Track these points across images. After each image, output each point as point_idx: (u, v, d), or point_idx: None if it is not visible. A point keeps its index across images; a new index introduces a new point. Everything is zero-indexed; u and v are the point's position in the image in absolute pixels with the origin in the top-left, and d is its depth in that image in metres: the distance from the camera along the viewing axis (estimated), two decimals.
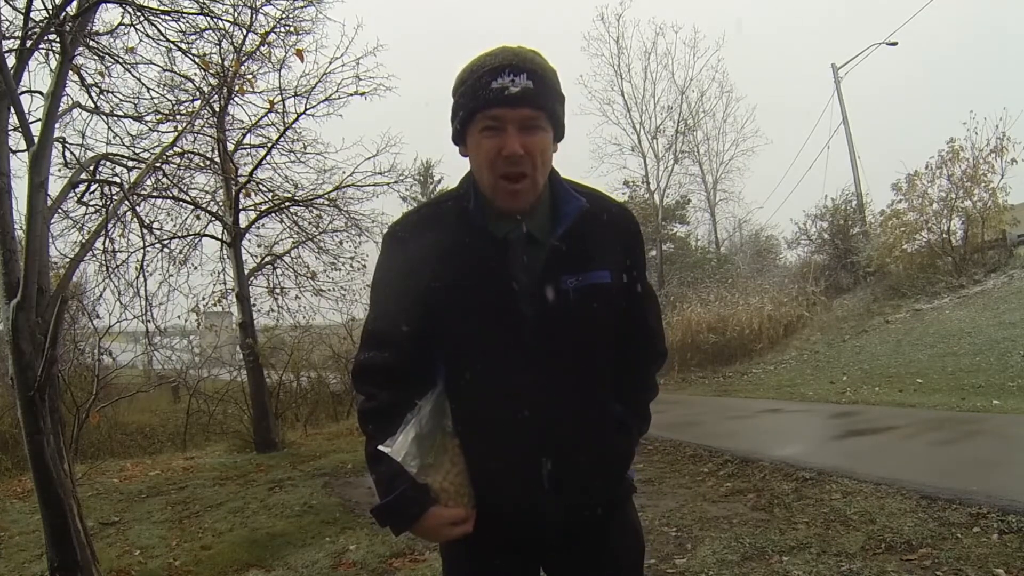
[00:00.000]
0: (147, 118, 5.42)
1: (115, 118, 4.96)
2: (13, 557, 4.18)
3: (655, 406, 1.23)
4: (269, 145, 8.20)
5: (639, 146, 18.47)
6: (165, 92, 5.92)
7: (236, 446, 8.44)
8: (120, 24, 4.34)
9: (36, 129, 3.15)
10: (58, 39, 3.26)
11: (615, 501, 1.16)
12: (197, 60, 5.30)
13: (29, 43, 3.23)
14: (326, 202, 8.71)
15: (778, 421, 6.78)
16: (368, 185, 8.74)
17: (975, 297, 10.16)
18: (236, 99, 7.25)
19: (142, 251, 6.76)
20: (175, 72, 5.82)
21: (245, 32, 6.10)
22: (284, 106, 7.86)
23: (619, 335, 1.12)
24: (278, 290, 9.07)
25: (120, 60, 4.70)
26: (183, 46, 4.90)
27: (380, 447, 1.02)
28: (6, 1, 3.63)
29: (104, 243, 5.61)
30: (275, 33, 6.51)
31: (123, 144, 5.19)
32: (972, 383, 6.83)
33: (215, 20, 4.80)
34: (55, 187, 3.59)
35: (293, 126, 8.16)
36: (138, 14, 4.21)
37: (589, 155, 18.91)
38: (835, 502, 3.53)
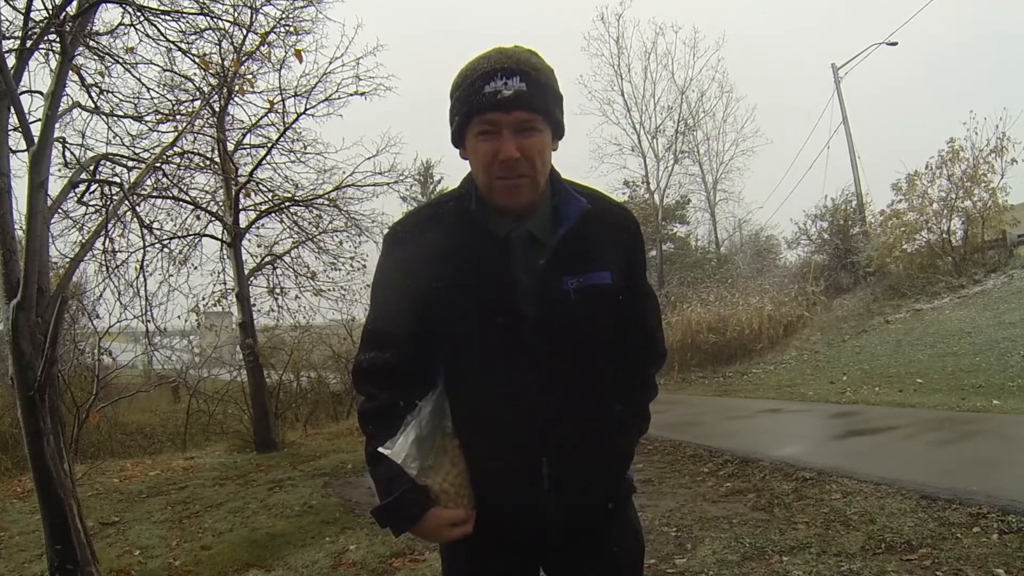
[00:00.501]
0: (147, 118, 5.43)
1: (115, 118, 4.96)
2: (13, 557, 4.18)
3: (655, 406, 1.23)
4: (269, 145, 8.20)
5: (639, 146, 18.49)
6: (165, 92, 5.92)
7: (236, 446, 8.44)
8: (120, 24, 4.34)
9: (36, 129, 3.15)
10: (58, 39, 3.26)
11: (615, 501, 1.16)
12: (197, 60, 5.30)
13: (29, 43, 3.23)
14: (326, 202, 8.71)
15: (778, 421, 6.78)
16: (368, 185, 8.74)
17: (975, 297, 10.17)
18: (236, 99, 7.26)
19: (142, 251, 6.76)
20: (175, 72, 5.82)
21: (245, 32, 6.10)
22: (284, 106, 7.87)
23: (619, 336, 1.12)
24: (278, 290, 9.07)
25: (120, 60, 4.70)
26: (183, 46, 4.90)
27: (380, 449, 1.02)
28: (6, 1, 3.63)
29: (104, 243, 5.62)
30: (275, 33, 6.51)
31: (123, 144, 5.20)
32: (972, 383, 6.83)
33: (215, 20, 4.79)
34: (55, 187, 3.59)
35: (293, 126, 8.16)
36: (138, 14, 4.21)
37: (589, 155, 18.93)
38: (835, 502, 3.53)
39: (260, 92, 7.43)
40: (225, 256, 8.46)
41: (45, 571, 3.20)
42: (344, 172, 8.61)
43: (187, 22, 4.70)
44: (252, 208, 8.57)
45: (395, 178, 8.82)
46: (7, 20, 3.54)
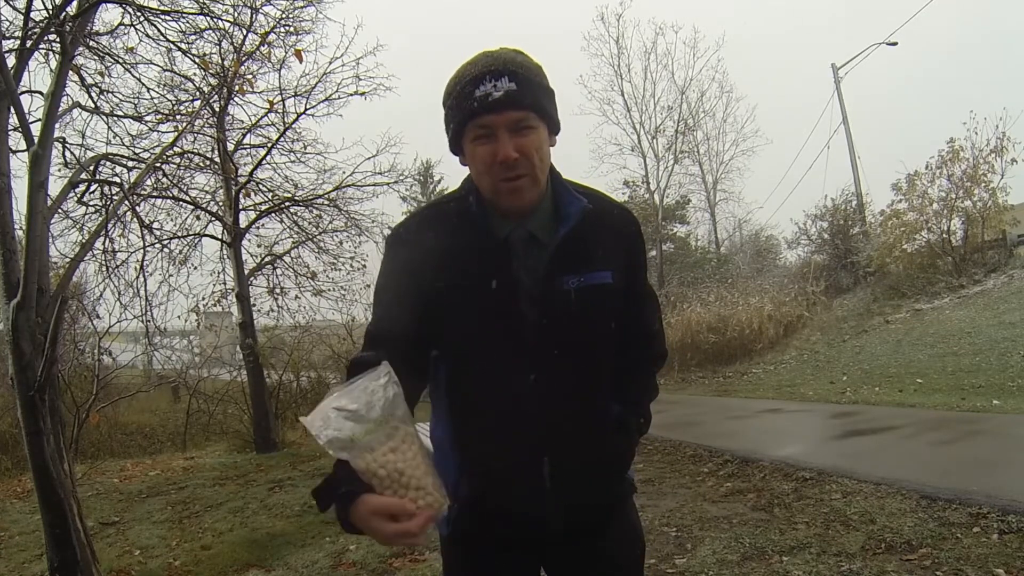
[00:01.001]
0: (147, 118, 5.43)
1: (115, 118, 4.96)
2: (13, 557, 4.18)
3: (655, 406, 1.24)
4: (269, 145, 8.21)
5: (639, 146, 18.51)
6: (165, 92, 5.93)
7: (236, 446, 8.45)
8: (120, 24, 4.34)
9: (36, 129, 3.16)
10: (58, 39, 3.26)
11: (615, 501, 1.16)
12: (197, 60, 5.30)
13: (29, 43, 3.23)
14: (326, 202, 8.72)
15: (778, 421, 6.78)
16: (368, 185, 8.75)
17: (975, 297, 10.17)
18: (236, 99, 7.26)
19: (142, 251, 6.76)
20: (175, 72, 5.82)
21: (245, 32, 6.10)
22: (284, 106, 7.88)
23: (620, 336, 1.12)
24: (278, 290, 9.07)
25: (120, 60, 4.70)
26: (183, 46, 4.91)
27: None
28: (6, 1, 3.63)
29: (104, 243, 5.62)
30: (275, 33, 6.52)
31: (123, 144, 5.20)
32: (972, 383, 6.83)
33: (215, 20, 4.80)
34: (55, 187, 3.60)
35: (293, 126, 8.17)
36: (138, 14, 4.21)
37: (589, 155, 18.99)
38: (835, 502, 3.53)
39: (260, 92, 7.45)
40: (225, 256, 8.46)
41: (45, 571, 3.20)
42: (344, 172, 8.64)
43: (187, 22, 4.71)
44: (252, 208, 8.58)
45: (395, 178, 8.83)
46: (7, 20, 3.55)
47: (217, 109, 7.06)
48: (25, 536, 4.62)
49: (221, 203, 8.21)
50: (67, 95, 4.07)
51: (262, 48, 6.63)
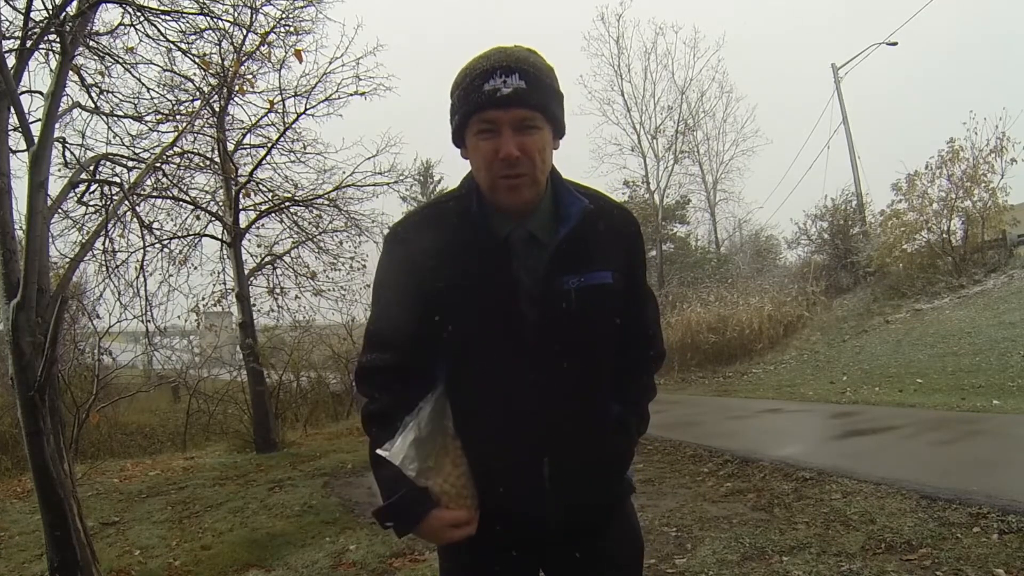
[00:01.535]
0: (147, 118, 5.43)
1: (115, 118, 4.96)
2: (13, 557, 4.18)
3: (655, 406, 1.24)
4: (269, 145, 8.21)
5: (639, 146, 18.52)
6: (165, 92, 5.93)
7: (236, 446, 8.45)
8: (120, 24, 4.34)
9: (36, 129, 3.15)
10: (58, 39, 3.26)
11: (615, 501, 1.16)
12: (197, 60, 5.30)
13: (29, 43, 3.23)
14: (326, 202, 8.72)
15: (778, 421, 6.78)
16: (368, 185, 8.75)
17: (975, 297, 10.17)
18: (236, 99, 7.26)
19: (142, 251, 6.77)
20: (175, 72, 5.83)
21: (245, 32, 6.10)
22: (284, 106, 7.88)
23: (619, 336, 1.12)
24: (278, 290, 9.07)
25: (120, 60, 4.70)
26: (183, 46, 4.91)
27: (379, 451, 1.02)
28: (6, 1, 3.63)
29: (104, 243, 5.61)
30: (275, 33, 6.52)
31: (123, 144, 5.20)
32: (972, 383, 6.83)
33: (215, 20, 4.80)
34: (55, 187, 3.59)
35: (293, 126, 8.17)
36: (138, 14, 4.21)
37: (589, 155, 18.95)
38: (835, 502, 3.53)
39: (260, 92, 7.45)
40: (225, 256, 8.46)
41: (45, 571, 3.20)
42: (344, 172, 8.64)
43: (187, 22, 4.71)
44: (252, 208, 8.58)
45: (395, 178, 8.83)
46: (7, 20, 3.54)
47: (217, 109, 7.06)
48: (25, 536, 4.62)
49: (221, 203, 8.21)
50: (67, 95, 4.06)
51: (262, 48, 6.62)
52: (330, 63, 7.87)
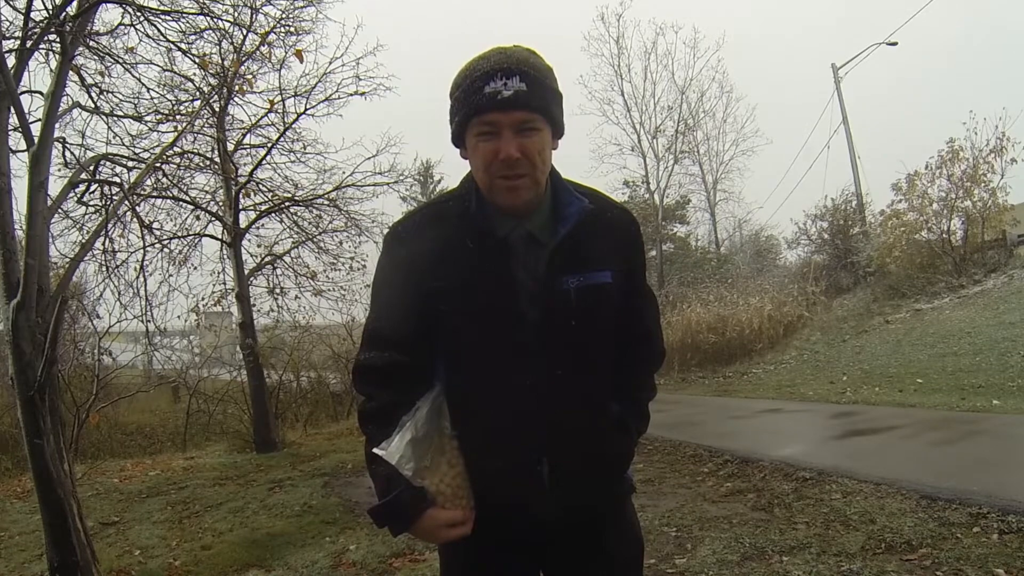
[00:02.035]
0: (147, 118, 5.43)
1: (115, 118, 4.96)
2: (13, 557, 4.18)
3: (655, 406, 1.24)
4: (269, 145, 8.20)
5: (639, 146, 18.53)
6: (165, 92, 5.92)
7: (236, 446, 8.44)
8: (120, 24, 4.34)
9: (36, 129, 3.16)
10: (58, 39, 3.26)
11: (615, 501, 1.16)
12: (197, 60, 5.30)
13: (29, 43, 3.23)
14: (326, 202, 8.72)
15: (778, 421, 6.78)
16: (368, 185, 8.75)
17: (975, 297, 10.17)
18: (236, 99, 7.26)
19: (142, 251, 6.76)
20: (175, 72, 5.83)
21: (245, 32, 6.10)
22: (284, 106, 7.87)
23: (618, 336, 1.13)
24: (278, 290, 9.07)
25: (120, 60, 4.71)
26: (183, 46, 4.91)
27: (375, 450, 1.02)
28: (6, 1, 3.63)
29: (104, 243, 5.61)
30: (275, 33, 6.52)
31: (123, 144, 5.20)
32: (972, 383, 6.83)
33: (215, 20, 4.80)
34: (55, 187, 3.59)
35: (293, 126, 8.17)
36: (138, 14, 4.21)
37: (589, 155, 18.95)
38: (835, 502, 3.53)
39: (260, 92, 7.45)
40: (225, 256, 8.46)
41: (45, 571, 3.20)
42: (344, 172, 8.63)
43: (187, 22, 4.71)
44: (252, 208, 8.57)
45: (395, 178, 8.82)
46: (7, 20, 3.55)
47: (217, 109, 7.06)
48: (25, 536, 4.62)
49: (221, 203, 8.21)
50: (67, 95, 4.06)
51: (262, 48, 6.63)
52: (330, 63, 7.87)
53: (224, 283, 8.64)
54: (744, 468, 4.63)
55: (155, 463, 7.95)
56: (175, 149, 5.84)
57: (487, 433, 1.06)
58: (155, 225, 7.29)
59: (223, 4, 4.71)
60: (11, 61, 3.12)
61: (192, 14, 4.58)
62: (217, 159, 7.64)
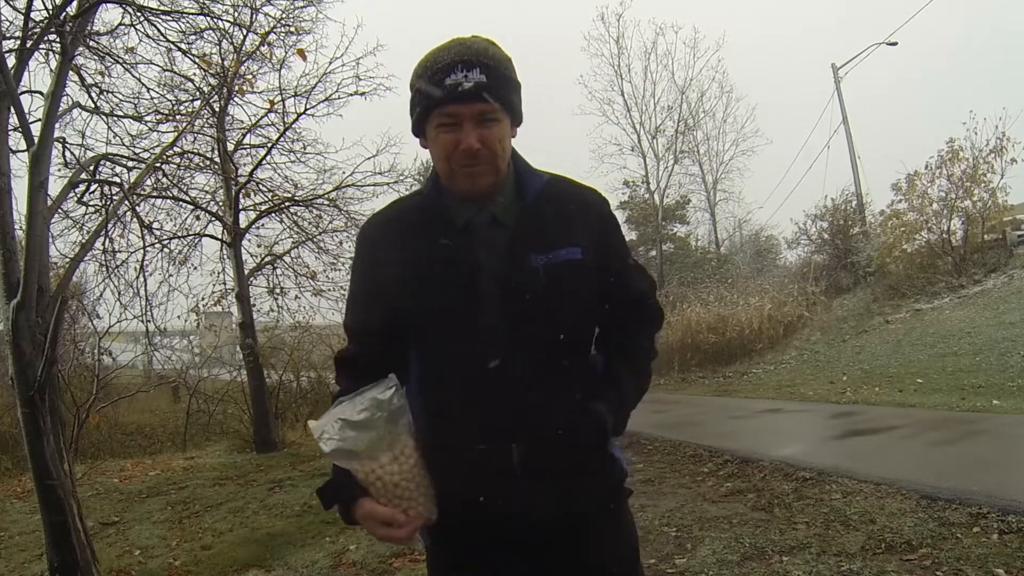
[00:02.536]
0: (147, 118, 5.44)
1: (115, 118, 4.97)
2: (13, 557, 4.18)
3: (655, 406, 1.23)
4: (269, 145, 8.21)
5: (639, 146, 18.54)
6: (165, 92, 5.93)
7: (236, 446, 8.45)
8: (120, 24, 4.35)
9: (36, 129, 3.16)
10: (58, 39, 3.26)
11: (607, 501, 1.12)
12: (197, 60, 5.30)
13: (29, 43, 3.23)
14: (326, 202, 8.72)
15: (778, 421, 6.78)
16: (368, 185, 8.75)
17: (975, 297, 10.17)
18: (236, 99, 7.26)
19: (142, 251, 6.75)
20: (175, 72, 5.82)
21: (245, 32, 6.10)
22: (284, 106, 7.88)
23: (604, 307, 1.12)
24: (278, 290, 9.08)
25: (120, 60, 4.71)
26: (183, 46, 4.91)
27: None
28: (6, 1, 3.63)
29: (104, 243, 5.61)
30: (275, 33, 6.53)
31: (123, 144, 5.21)
32: (972, 383, 6.83)
33: (215, 20, 4.80)
34: (55, 187, 3.60)
35: (293, 126, 8.17)
36: (138, 14, 4.22)
37: (589, 155, 19.04)
38: (835, 502, 3.53)
39: (260, 92, 7.46)
40: (225, 256, 8.46)
41: (45, 571, 3.20)
42: (344, 172, 8.64)
43: (187, 22, 4.71)
44: (252, 208, 8.58)
45: (395, 178, 8.81)
46: (7, 20, 3.55)
47: (217, 109, 7.06)
48: (25, 536, 4.62)
49: (221, 203, 8.21)
50: (67, 95, 4.07)
51: (262, 48, 6.63)
52: (330, 63, 7.88)
53: (224, 283, 8.66)
54: (744, 468, 4.63)
55: (155, 463, 7.95)
56: (175, 149, 5.85)
57: (456, 420, 1.05)
58: (155, 225, 7.30)
59: (223, 4, 4.72)
60: (11, 61, 3.12)
61: (192, 14, 4.59)
62: (217, 159, 7.64)
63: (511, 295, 1.03)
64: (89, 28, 3.88)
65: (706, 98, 18.52)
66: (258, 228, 8.78)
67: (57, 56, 3.43)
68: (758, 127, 25.84)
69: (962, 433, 4.87)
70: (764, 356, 11.46)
